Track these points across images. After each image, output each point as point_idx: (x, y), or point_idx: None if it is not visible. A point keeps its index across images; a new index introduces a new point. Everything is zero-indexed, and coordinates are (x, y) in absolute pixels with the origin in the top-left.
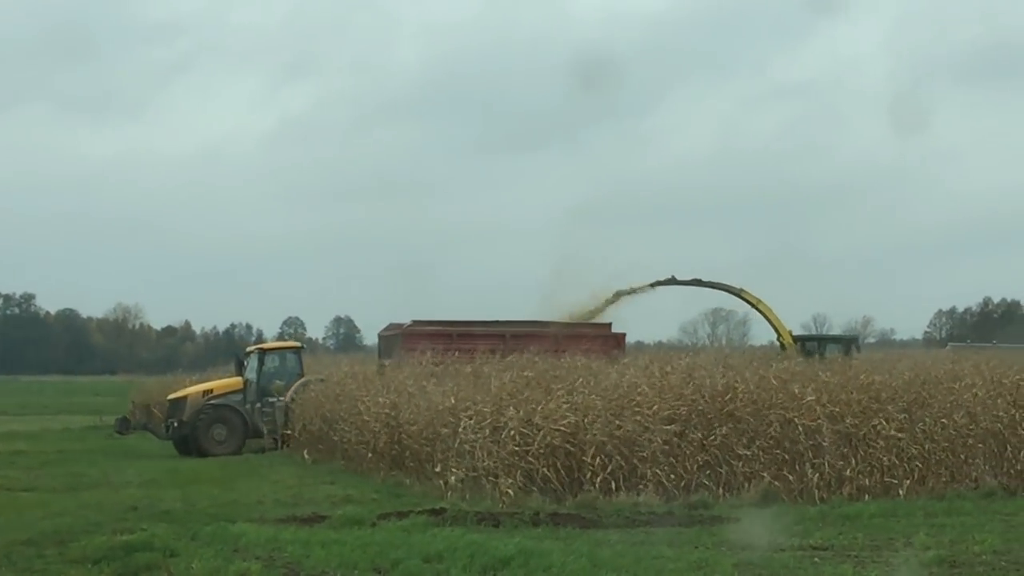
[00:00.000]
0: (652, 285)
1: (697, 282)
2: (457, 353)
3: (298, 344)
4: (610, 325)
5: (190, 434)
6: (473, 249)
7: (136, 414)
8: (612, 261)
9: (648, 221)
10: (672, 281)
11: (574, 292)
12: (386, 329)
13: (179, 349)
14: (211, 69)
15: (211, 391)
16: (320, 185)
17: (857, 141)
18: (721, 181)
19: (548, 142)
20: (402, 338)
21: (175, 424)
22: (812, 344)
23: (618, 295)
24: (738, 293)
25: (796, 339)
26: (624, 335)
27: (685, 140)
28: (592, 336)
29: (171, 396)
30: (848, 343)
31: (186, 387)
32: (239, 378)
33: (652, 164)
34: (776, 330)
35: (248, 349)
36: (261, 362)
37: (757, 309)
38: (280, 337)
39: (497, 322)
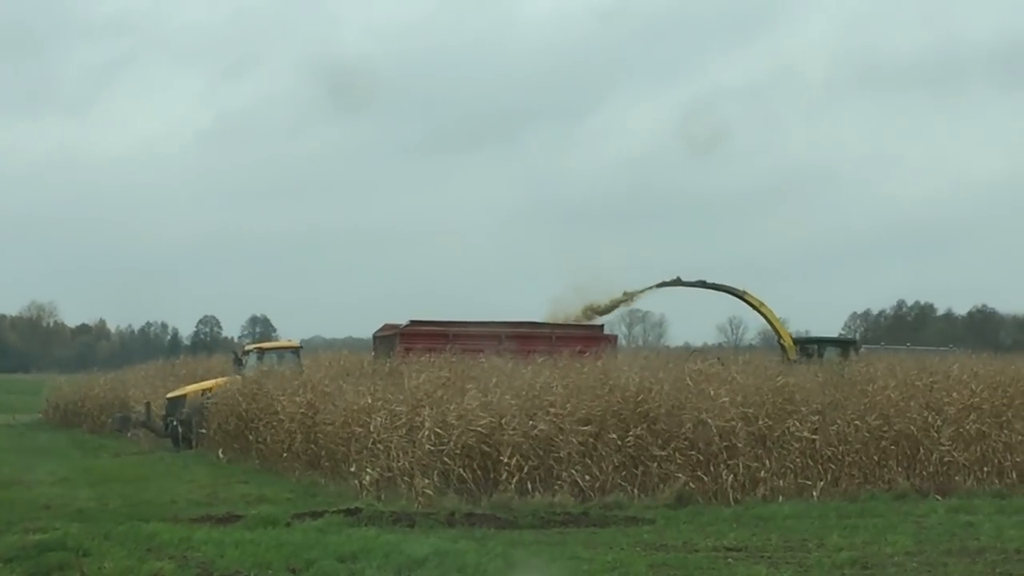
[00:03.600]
0: (657, 286)
1: (701, 284)
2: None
3: (297, 344)
4: (603, 327)
5: (187, 431)
6: (407, 249)
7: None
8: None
9: (578, 223)
10: (677, 282)
11: (582, 293)
12: (382, 329)
13: (94, 347)
14: (151, 67)
15: (210, 390)
16: (249, 184)
17: (788, 145)
18: (650, 184)
19: (490, 143)
20: (400, 338)
21: (174, 422)
22: (812, 346)
23: (626, 296)
24: (741, 295)
25: (796, 341)
26: (616, 336)
27: (616, 142)
28: (586, 337)
29: (170, 394)
30: (847, 345)
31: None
32: (238, 377)
33: (588, 165)
34: (777, 332)
35: (247, 347)
36: (260, 361)
37: (759, 311)
38: (196, 336)
39: (494, 323)
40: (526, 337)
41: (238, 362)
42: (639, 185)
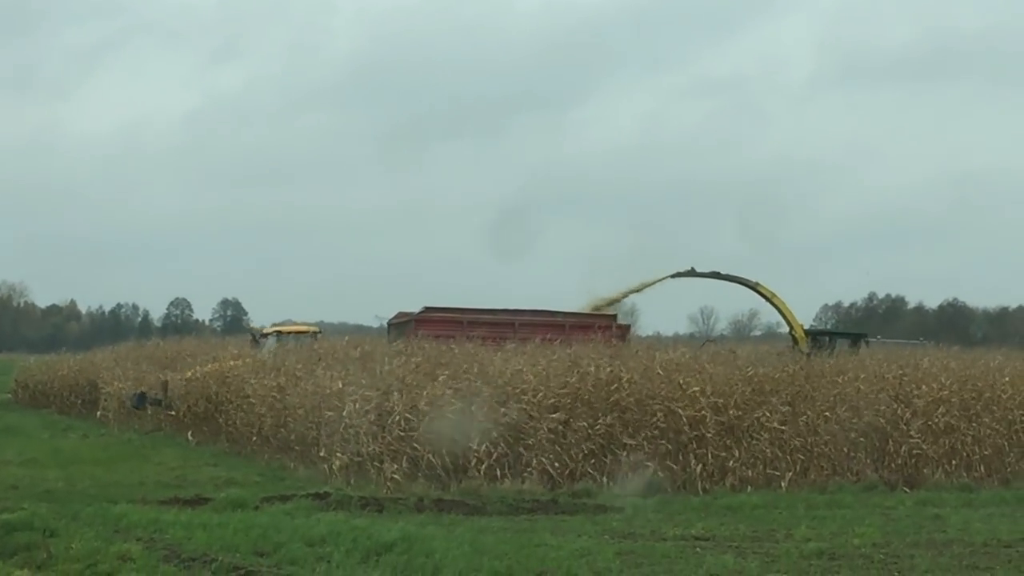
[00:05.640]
0: (672, 276)
1: (715, 274)
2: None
3: (316, 328)
4: (616, 316)
5: None
6: (383, 236)
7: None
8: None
9: (566, 213)
10: (691, 273)
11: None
12: (396, 317)
13: (64, 328)
14: (138, 49)
15: None
16: (228, 168)
17: (772, 137)
18: (639, 174)
19: (475, 130)
20: (414, 324)
21: None
22: (823, 338)
23: (641, 285)
24: (754, 287)
25: (808, 333)
26: (629, 326)
27: (608, 132)
28: (599, 326)
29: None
30: (857, 338)
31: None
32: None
33: (575, 154)
34: (789, 324)
35: (265, 331)
36: (278, 344)
37: (771, 303)
38: (167, 318)
39: (507, 310)
40: (539, 325)
41: (255, 344)
42: (625, 176)
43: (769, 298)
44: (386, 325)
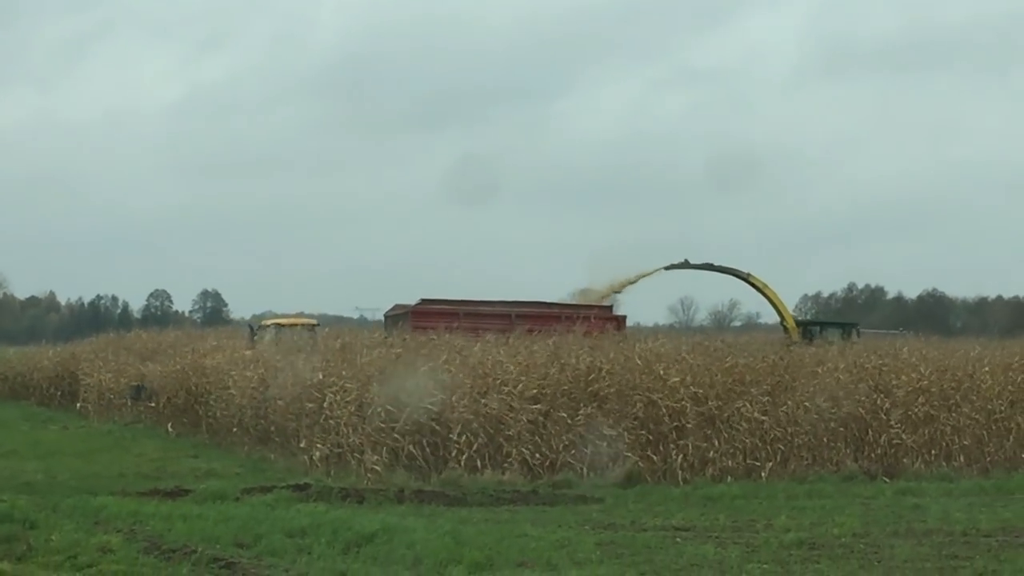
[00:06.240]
0: (666, 268)
1: (708, 266)
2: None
3: (314, 321)
4: (612, 307)
5: None
6: (364, 228)
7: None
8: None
9: (551, 204)
10: (685, 264)
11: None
12: (393, 309)
13: (44, 320)
14: (122, 39)
15: None
16: (210, 159)
17: (756, 128)
18: (621, 165)
19: (458, 121)
20: (411, 316)
21: None
22: (814, 328)
23: (635, 277)
24: (745, 278)
25: (799, 323)
26: (625, 317)
27: (592, 122)
28: (595, 317)
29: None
30: (848, 328)
31: None
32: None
33: (558, 146)
34: (780, 314)
35: (265, 323)
36: (276, 336)
37: (763, 294)
38: (146, 310)
39: (504, 302)
40: (536, 316)
41: (253, 336)
42: (607, 167)
43: (761, 289)
44: (383, 317)
